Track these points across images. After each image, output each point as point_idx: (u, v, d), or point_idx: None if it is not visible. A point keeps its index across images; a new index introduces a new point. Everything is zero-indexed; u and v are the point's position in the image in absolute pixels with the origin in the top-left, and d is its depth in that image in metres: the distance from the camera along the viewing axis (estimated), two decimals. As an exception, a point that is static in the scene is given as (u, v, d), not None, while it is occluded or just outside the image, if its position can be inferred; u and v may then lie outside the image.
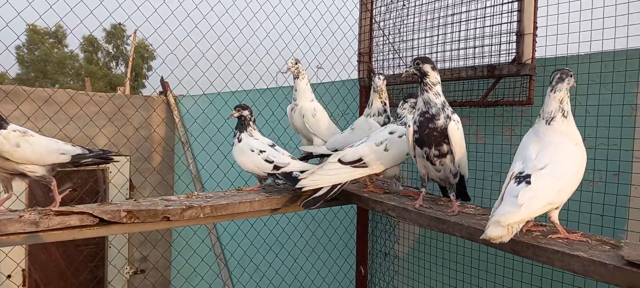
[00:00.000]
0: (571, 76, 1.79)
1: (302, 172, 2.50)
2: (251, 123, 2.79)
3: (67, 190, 2.55)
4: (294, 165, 2.62)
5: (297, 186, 2.40)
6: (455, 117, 2.10)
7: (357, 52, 3.60)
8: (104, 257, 6.79)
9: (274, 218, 4.55)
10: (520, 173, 1.78)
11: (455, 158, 2.13)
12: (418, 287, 3.46)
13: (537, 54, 2.62)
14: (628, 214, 2.33)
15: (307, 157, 3.10)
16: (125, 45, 35.62)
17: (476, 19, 2.78)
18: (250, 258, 4.83)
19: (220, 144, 4.61)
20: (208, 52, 3.75)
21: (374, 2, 3.53)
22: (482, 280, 2.99)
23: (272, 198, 2.62)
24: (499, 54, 2.68)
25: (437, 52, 3.06)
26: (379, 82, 2.77)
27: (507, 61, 2.65)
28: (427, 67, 2.11)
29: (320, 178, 2.41)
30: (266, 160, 2.65)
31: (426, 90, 2.11)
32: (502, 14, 2.67)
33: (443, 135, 2.09)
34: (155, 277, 6.96)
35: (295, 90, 2.99)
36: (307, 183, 2.38)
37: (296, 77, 2.96)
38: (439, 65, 3.04)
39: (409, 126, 2.20)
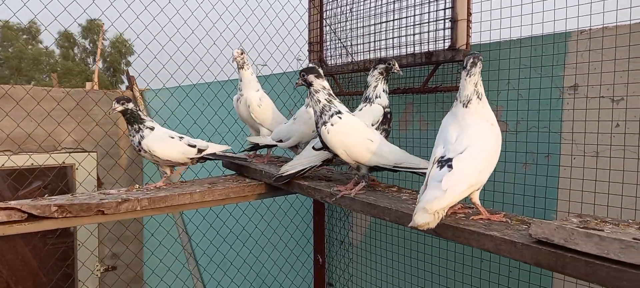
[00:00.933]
0: (482, 60, 1.83)
1: (223, 152, 2.88)
2: (142, 114, 2.66)
3: (38, 188, 2.60)
4: (214, 147, 2.82)
5: (280, 172, 2.59)
6: (334, 119, 2.18)
7: (307, 42, 3.60)
8: (74, 255, 6.75)
9: (238, 210, 4.56)
10: (442, 157, 1.81)
11: (342, 156, 2.22)
12: (371, 273, 3.50)
13: (474, 40, 2.66)
14: (557, 195, 2.39)
15: (254, 148, 3.11)
16: (103, 41, 35.09)
17: (414, 5, 2.80)
18: (216, 247, 4.83)
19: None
20: (169, 45, 3.70)
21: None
22: (434, 266, 3.05)
23: (213, 190, 2.63)
24: (436, 41, 2.71)
25: (379, 40, 3.08)
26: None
27: (443, 48, 2.68)
28: (311, 77, 2.25)
29: (298, 162, 2.59)
30: (189, 145, 2.73)
31: (311, 98, 2.27)
32: (437, 0, 2.69)
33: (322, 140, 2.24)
34: (128, 275, 6.93)
35: (241, 81, 2.99)
36: (288, 168, 2.59)
37: (241, 68, 2.95)
38: (382, 53, 3.07)
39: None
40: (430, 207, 1.65)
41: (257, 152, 3.20)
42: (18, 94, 5.50)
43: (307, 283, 4.07)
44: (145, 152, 2.64)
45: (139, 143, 2.64)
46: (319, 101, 2.23)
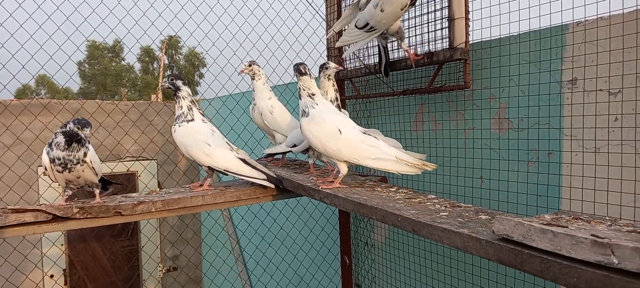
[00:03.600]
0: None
1: None
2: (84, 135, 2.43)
3: (117, 185, 2.89)
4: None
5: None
6: (183, 124, 2.66)
7: (326, 47, 3.70)
8: (138, 256, 7.31)
9: (275, 210, 4.74)
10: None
11: (183, 152, 2.75)
12: (393, 274, 3.52)
13: (474, 38, 2.63)
14: (560, 193, 2.31)
15: (270, 156, 3.27)
16: (179, 55, 37.22)
17: (415, 6, 2.81)
18: (261, 251, 5.05)
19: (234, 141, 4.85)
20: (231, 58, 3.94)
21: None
22: (453, 269, 3.02)
23: (225, 192, 2.80)
24: (435, 41, 2.71)
25: (392, 42, 3.11)
26: (334, 68, 2.83)
27: (443, 47, 2.67)
28: (178, 82, 2.67)
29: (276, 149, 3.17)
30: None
31: (176, 102, 2.68)
32: (434, 0, 2.69)
33: None
34: (188, 275, 7.38)
35: (253, 91, 3.15)
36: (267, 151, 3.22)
37: (252, 78, 3.11)
38: (395, 55, 3.11)
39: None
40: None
41: (274, 157, 3.34)
42: (90, 108, 6.11)
43: (334, 284, 4.15)
44: (88, 163, 2.45)
45: (83, 155, 2.41)
46: (181, 107, 2.66)
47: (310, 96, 2.41)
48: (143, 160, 7.14)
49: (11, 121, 5.02)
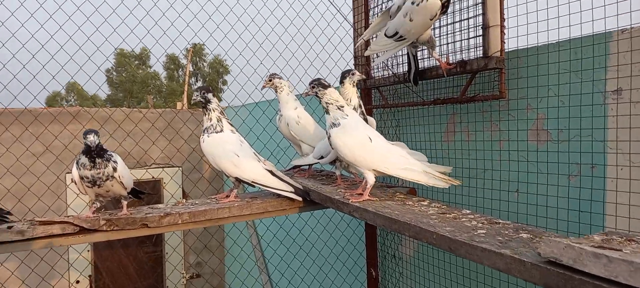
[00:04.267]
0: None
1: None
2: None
3: (147, 195, 2.88)
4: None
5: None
6: (212, 134, 2.69)
7: (353, 56, 3.64)
8: (163, 263, 7.35)
9: (301, 221, 4.68)
10: None
11: (211, 163, 2.73)
12: (422, 288, 3.41)
13: (510, 46, 2.53)
14: (604, 209, 2.19)
15: (297, 167, 3.22)
16: (203, 62, 37.71)
17: (448, 13, 2.73)
18: (286, 261, 4.99)
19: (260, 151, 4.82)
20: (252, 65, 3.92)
21: (369, 3, 3.55)
22: (479, 283, 2.91)
23: (252, 204, 2.76)
24: (468, 49, 2.62)
25: (422, 50, 3.03)
26: (358, 74, 2.75)
27: (477, 56, 2.58)
28: (209, 95, 2.65)
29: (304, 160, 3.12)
30: None
31: (205, 114, 2.68)
32: (468, 7, 2.60)
33: None
34: (211, 283, 7.39)
35: (279, 102, 3.11)
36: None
37: (276, 91, 3.08)
38: (425, 63, 3.02)
39: None
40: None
41: (301, 168, 3.29)
42: (118, 116, 6.18)
43: (363, 297, 4.07)
44: (117, 179, 2.40)
45: (113, 171, 2.38)
46: (211, 119, 2.65)
47: (339, 108, 2.37)
48: (169, 168, 7.20)
49: (41, 130, 5.10)
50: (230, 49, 3.61)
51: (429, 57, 2.94)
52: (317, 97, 2.37)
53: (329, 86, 2.36)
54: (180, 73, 38.56)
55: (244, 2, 3.47)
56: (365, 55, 3.29)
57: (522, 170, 2.55)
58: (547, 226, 2.39)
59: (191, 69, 38.24)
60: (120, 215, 2.49)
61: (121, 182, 2.41)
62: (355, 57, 3.63)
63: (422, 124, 3.24)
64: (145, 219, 2.50)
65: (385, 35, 2.71)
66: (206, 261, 7.29)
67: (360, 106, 2.75)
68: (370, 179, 2.38)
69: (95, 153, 2.31)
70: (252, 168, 2.67)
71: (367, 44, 3.49)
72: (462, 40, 2.68)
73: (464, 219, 2.09)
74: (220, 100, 2.47)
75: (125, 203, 2.55)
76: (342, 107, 2.37)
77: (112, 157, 2.40)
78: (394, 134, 3.53)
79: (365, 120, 2.71)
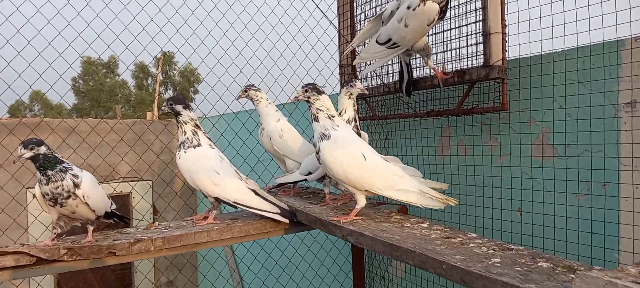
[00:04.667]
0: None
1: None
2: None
3: (128, 220, 2.56)
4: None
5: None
6: (189, 149, 2.40)
7: (338, 65, 3.43)
8: (131, 282, 6.95)
9: (284, 242, 4.42)
10: None
11: (188, 182, 2.45)
12: (414, 311, 3.21)
13: (511, 54, 2.37)
14: (619, 231, 2.03)
15: (281, 185, 2.98)
16: (173, 71, 36.97)
17: (445, 19, 2.55)
18: (263, 282, 4.71)
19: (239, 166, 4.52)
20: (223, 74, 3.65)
21: (354, 10, 3.36)
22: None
23: (232, 227, 2.50)
24: (467, 57, 2.45)
25: (416, 58, 2.85)
26: (361, 86, 2.50)
27: (477, 65, 2.41)
28: (178, 107, 2.38)
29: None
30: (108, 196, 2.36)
31: (178, 127, 2.42)
32: (467, 13, 2.43)
33: None
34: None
35: (259, 115, 2.87)
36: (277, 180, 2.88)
37: (253, 104, 2.85)
38: (418, 72, 2.84)
39: None
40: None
41: (285, 185, 3.05)
42: (83, 128, 5.78)
43: (348, 320, 3.84)
44: (77, 198, 2.09)
45: (74, 187, 2.07)
46: (185, 132, 2.39)
47: (330, 118, 2.12)
48: (137, 182, 6.83)
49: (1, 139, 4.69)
50: (207, 55, 3.36)
51: (423, 66, 2.75)
52: (308, 102, 2.13)
53: (323, 93, 2.13)
54: (150, 81, 37.71)
55: (222, 6, 3.24)
56: (353, 63, 3.09)
57: (526, 188, 2.39)
58: (554, 248, 2.22)
59: (161, 78, 37.46)
60: (83, 242, 2.19)
61: (86, 202, 2.11)
62: (340, 66, 3.43)
63: (414, 136, 3.06)
64: (113, 247, 2.22)
65: (376, 42, 2.52)
66: (176, 281, 6.95)
67: (355, 120, 2.53)
68: (361, 201, 2.17)
69: (41, 165, 2.03)
70: (234, 187, 2.42)
71: (353, 53, 3.29)
72: (459, 47, 2.51)
73: (472, 245, 1.89)
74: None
75: (90, 228, 2.25)
76: (333, 116, 2.13)
77: (71, 169, 2.11)
78: (383, 147, 3.33)
79: (359, 135, 2.50)
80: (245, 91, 2.86)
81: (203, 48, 3.44)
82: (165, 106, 2.45)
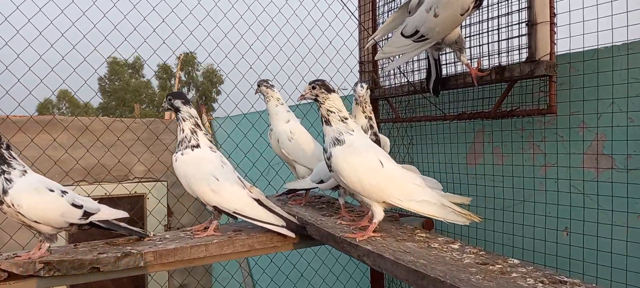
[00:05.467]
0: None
1: (118, 220, 2.15)
2: (8, 153, 1.88)
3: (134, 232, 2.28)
4: (107, 212, 2.10)
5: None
6: (187, 151, 2.15)
7: (358, 62, 3.12)
8: (144, 284, 6.77)
9: (295, 255, 4.11)
10: None
11: (186, 188, 2.20)
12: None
13: (560, 48, 2.03)
14: (695, 261, 1.66)
15: (290, 191, 2.69)
16: (196, 72, 37.24)
17: (482, 8, 2.22)
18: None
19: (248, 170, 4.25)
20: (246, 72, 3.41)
21: (376, 3, 3.05)
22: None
23: (234, 240, 2.22)
24: (508, 52, 2.12)
25: (446, 53, 2.52)
26: (362, 91, 2.23)
27: (519, 60, 2.07)
28: (178, 102, 2.16)
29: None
30: (73, 205, 1.96)
31: (177, 125, 2.19)
32: (508, 0, 2.10)
33: None
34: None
35: (268, 114, 2.60)
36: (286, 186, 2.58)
37: (264, 101, 2.58)
38: (448, 70, 2.51)
39: None
40: None
41: (296, 193, 2.75)
42: (97, 126, 5.61)
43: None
44: (9, 207, 1.81)
45: (2, 193, 1.81)
46: (183, 130, 2.16)
47: (342, 120, 1.85)
48: (152, 182, 6.65)
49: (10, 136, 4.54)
50: (224, 58, 3.12)
51: (455, 62, 2.43)
52: (317, 102, 1.86)
53: (333, 91, 1.86)
54: (173, 82, 38.01)
55: (239, 6, 2.98)
56: (375, 59, 2.78)
57: (575, 205, 2.03)
58: (611, 277, 1.87)
59: (184, 78, 37.76)
60: (19, 258, 1.89)
61: (18, 211, 1.81)
62: (360, 63, 3.12)
63: (441, 142, 2.73)
64: (97, 261, 1.96)
65: (401, 34, 2.21)
66: (189, 285, 6.75)
67: (370, 127, 2.23)
68: (379, 214, 1.90)
69: None
70: (235, 195, 2.15)
71: (374, 48, 2.99)
72: (499, 41, 2.17)
73: (515, 274, 1.56)
74: (212, 109, 1.97)
75: (46, 245, 1.95)
76: (346, 119, 1.87)
77: (10, 172, 1.84)
78: (406, 154, 3.00)
79: (378, 141, 2.19)
80: (258, 86, 2.59)
81: (223, 46, 3.20)
82: (165, 102, 2.22)
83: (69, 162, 5.03)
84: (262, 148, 3.86)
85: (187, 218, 6.32)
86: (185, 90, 37.78)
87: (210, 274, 6.65)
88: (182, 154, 2.16)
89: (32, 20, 2.90)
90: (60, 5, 3.05)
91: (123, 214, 2.16)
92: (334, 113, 1.85)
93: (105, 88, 34.89)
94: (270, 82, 2.63)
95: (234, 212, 2.15)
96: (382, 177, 1.82)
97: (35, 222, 1.87)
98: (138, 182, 6.33)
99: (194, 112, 2.20)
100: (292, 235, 2.20)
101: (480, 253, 1.80)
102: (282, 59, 3.20)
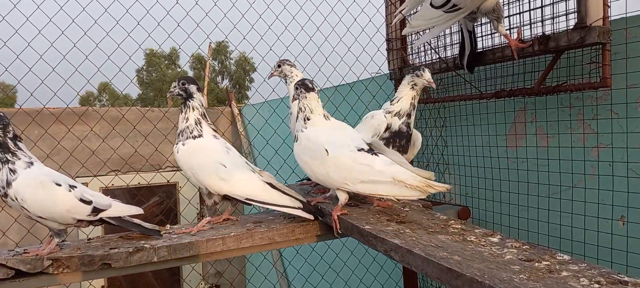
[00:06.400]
0: None
1: (131, 216, 2.01)
2: (13, 143, 1.78)
3: (156, 203, 2.25)
4: (119, 208, 1.96)
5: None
6: (188, 140, 2.01)
7: (385, 39, 2.91)
8: (180, 270, 6.84)
9: (317, 252, 3.96)
10: None
11: (191, 180, 2.10)
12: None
13: (614, 12, 1.77)
14: None
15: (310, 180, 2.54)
16: (229, 60, 37.55)
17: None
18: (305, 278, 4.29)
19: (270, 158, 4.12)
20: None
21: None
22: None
23: (253, 233, 2.08)
24: (552, 19, 1.87)
25: (480, 24, 2.28)
26: (427, 77, 1.98)
27: (567, 28, 1.82)
28: (193, 88, 2.04)
29: None
30: (82, 200, 1.83)
31: (184, 113, 2.05)
32: (553, -42, 1.85)
33: None
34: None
35: (289, 96, 2.43)
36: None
37: (285, 82, 2.42)
38: (484, 43, 2.28)
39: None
40: None
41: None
42: (131, 116, 5.64)
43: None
44: (13, 200, 1.73)
45: (6, 185, 1.73)
46: (187, 119, 2.03)
47: (305, 119, 1.97)
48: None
49: (44, 131, 4.60)
50: (242, 41, 2.98)
51: (491, 34, 2.19)
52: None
53: (313, 90, 1.95)
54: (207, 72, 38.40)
55: None
56: (402, 34, 2.56)
57: (633, 190, 1.78)
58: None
59: (217, 68, 38.15)
60: (26, 254, 1.80)
61: (22, 205, 1.72)
62: (387, 40, 2.90)
63: (478, 123, 2.50)
64: (108, 257, 1.85)
65: (431, 5, 2.00)
66: (225, 272, 6.76)
67: (408, 116, 2.05)
68: (341, 198, 1.94)
69: None
70: (246, 180, 2.03)
71: (402, 23, 2.77)
72: (542, 6, 1.92)
73: (565, 273, 1.34)
74: (246, 97, 1.92)
75: (55, 240, 1.86)
76: (309, 118, 1.97)
77: (14, 161, 1.75)
78: (439, 137, 2.79)
79: (408, 133, 2.02)
80: (279, 66, 2.42)
81: (251, 36, 3.07)
82: (174, 86, 2.06)
83: (103, 152, 5.10)
84: (284, 134, 3.71)
85: (220, 205, 6.32)
86: (218, 79, 38.22)
87: (243, 275, 6.65)
88: (183, 144, 2.04)
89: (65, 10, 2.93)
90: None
91: (137, 210, 2.03)
92: (302, 111, 1.96)
93: (143, 79, 35.67)
94: (291, 61, 2.47)
95: (247, 199, 2.02)
96: (328, 164, 1.86)
97: (40, 217, 1.78)
98: (175, 171, 6.34)
99: (204, 100, 2.07)
100: (310, 216, 2.06)
101: (524, 247, 1.59)
102: (304, 39, 3.02)
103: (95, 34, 3.12)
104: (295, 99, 2.01)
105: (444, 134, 2.76)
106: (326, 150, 1.85)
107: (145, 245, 1.93)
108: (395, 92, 2.94)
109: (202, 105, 2.05)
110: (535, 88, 2.00)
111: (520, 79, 2.16)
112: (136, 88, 34.51)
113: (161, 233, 2.09)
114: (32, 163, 1.81)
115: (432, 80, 1.99)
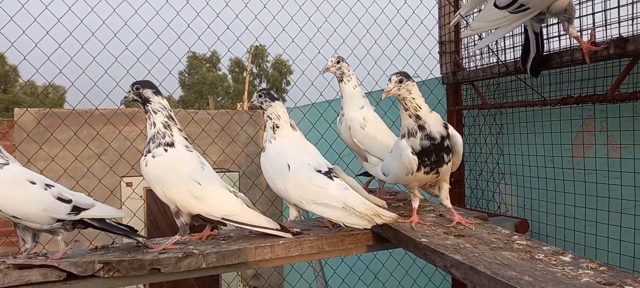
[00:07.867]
0: None
1: (116, 219, 1.95)
2: None
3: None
4: (103, 209, 1.89)
5: None
6: (159, 151, 1.87)
7: (438, 42, 2.80)
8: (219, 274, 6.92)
9: (362, 261, 3.85)
10: None
11: (160, 196, 1.92)
12: None
13: None
14: None
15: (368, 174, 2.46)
16: (266, 64, 37.97)
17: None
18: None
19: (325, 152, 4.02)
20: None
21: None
22: None
23: (302, 242, 2.01)
24: (629, 20, 1.72)
25: (548, 26, 2.14)
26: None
27: (646, 29, 1.67)
28: (147, 92, 1.90)
29: None
30: (60, 198, 1.77)
31: (147, 118, 1.93)
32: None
33: None
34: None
35: (341, 97, 2.35)
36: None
37: (340, 80, 2.32)
38: (551, 45, 2.13)
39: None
40: None
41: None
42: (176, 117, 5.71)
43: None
44: None
45: None
46: (154, 124, 1.89)
47: (274, 128, 2.03)
48: (222, 172, 6.71)
49: (96, 132, 4.73)
50: (291, 43, 2.95)
51: (559, 36, 2.04)
52: (262, 109, 2.06)
53: (277, 100, 2.04)
54: (245, 75, 38.96)
55: None
56: (463, 36, 2.45)
57: None
58: None
59: (255, 71, 38.61)
60: (123, 258, 1.80)
61: None
62: (440, 44, 2.79)
63: (539, 131, 2.35)
64: (157, 262, 1.83)
65: (495, 5, 1.87)
66: (263, 274, 6.78)
67: (419, 128, 1.89)
68: (292, 214, 2.06)
69: None
70: (222, 199, 1.92)
71: (457, 27, 2.65)
72: (619, 6, 1.77)
73: (655, 302, 1.21)
74: (284, 100, 1.89)
75: (60, 241, 1.83)
76: (278, 127, 2.04)
77: None
78: (494, 144, 2.65)
79: (438, 145, 1.84)
80: (338, 62, 2.29)
81: (290, 31, 3.02)
82: (129, 93, 1.93)
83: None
84: (331, 138, 3.63)
85: (259, 206, 6.31)
86: (256, 82, 38.67)
87: (279, 273, 6.62)
88: (153, 156, 1.90)
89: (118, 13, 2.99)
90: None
91: (122, 214, 2.06)
92: (271, 119, 2.02)
93: (185, 82, 36.51)
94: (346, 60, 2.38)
95: (223, 218, 1.92)
96: (287, 179, 1.93)
97: (14, 217, 1.72)
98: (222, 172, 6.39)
99: (166, 103, 1.93)
100: (289, 235, 1.97)
101: (601, 268, 1.45)
102: (353, 41, 2.94)
103: (125, 36, 3.12)
104: (264, 108, 2.04)
105: (500, 142, 2.62)
106: (288, 165, 1.93)
107: (194, 251, 1.89)
108: (448, 96, 2.83)
109: (166, 108, 1.91)
110: (608, 94, 1.85)
111: (589, 84, 2.01)
112: (179, 90, 35.30)
113: (143, 241, 2.00)
114: (7, 163, 1.76)
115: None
